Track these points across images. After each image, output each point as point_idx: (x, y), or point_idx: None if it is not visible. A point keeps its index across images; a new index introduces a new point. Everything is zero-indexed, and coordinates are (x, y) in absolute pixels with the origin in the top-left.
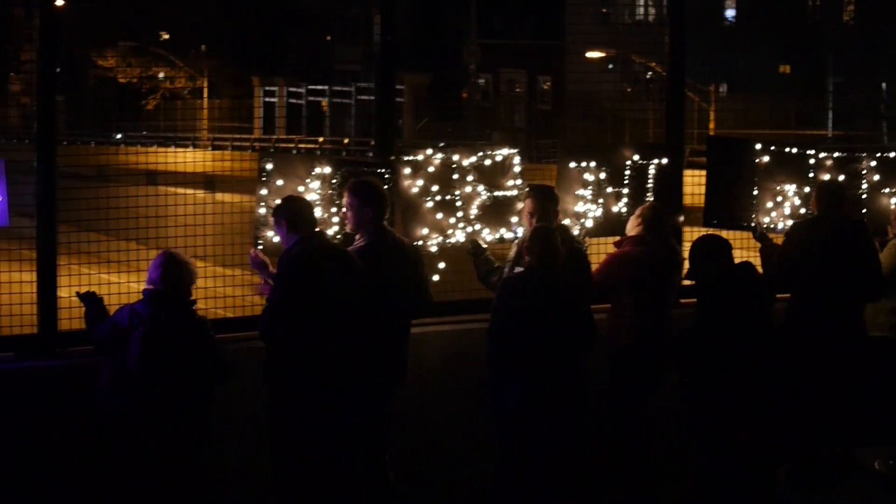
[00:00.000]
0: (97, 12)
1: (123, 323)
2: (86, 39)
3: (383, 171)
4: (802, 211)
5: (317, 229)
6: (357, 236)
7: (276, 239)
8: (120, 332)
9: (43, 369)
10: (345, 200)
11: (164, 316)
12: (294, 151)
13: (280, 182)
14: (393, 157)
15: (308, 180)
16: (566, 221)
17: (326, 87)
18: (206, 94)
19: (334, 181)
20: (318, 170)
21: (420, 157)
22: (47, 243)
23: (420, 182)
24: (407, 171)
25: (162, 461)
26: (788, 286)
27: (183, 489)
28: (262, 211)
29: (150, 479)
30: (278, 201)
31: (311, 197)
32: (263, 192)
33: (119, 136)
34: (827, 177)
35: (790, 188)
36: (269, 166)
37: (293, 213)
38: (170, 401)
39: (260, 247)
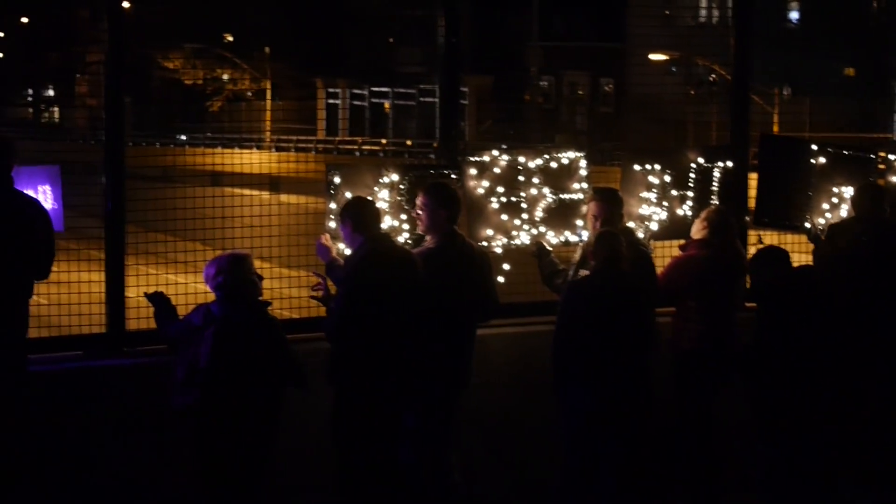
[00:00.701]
0: (163, 14)
1: (197, 321)
2: (151, 41)
3: (450, 172)
4: None
5: (382, 231)
6: (427, 238)
7: (342, 246)
8: (193, 329)
9: (111, 368)
10: (419, 201)
11: (236, 316)
12: (357, 153)
13: (348, 194)
14: (460, 159)
15: (376, 188)
16: (630, 224)
17: (389, 89)
18: (269, 96)
19: (402, 187)
20: (385, 178)
21: (486, 159)
22: (115, 244)
23: (486, 183)
24: (473, 171)
25: (229, 458)
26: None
27: (249, 487)
28: (332, 225)
29: (217, 476)
30: (346, 200)
31: (379, 206)
32: (332, 205)
33: (184, 137)
34: (894, 179)
35: (847, 191)
36: (337, 179)
37: (358, 213)
38: (239, 399)
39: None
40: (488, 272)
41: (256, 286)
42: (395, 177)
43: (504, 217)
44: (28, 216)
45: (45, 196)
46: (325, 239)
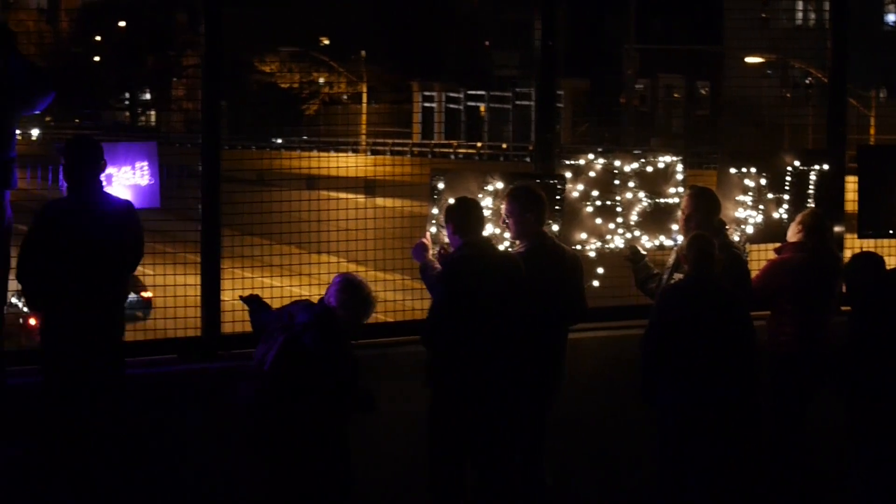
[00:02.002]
0: (259, 18)
1: (278, 320)
2: (248, 45)
3: (555, 182)
4: None
5: (483, 235)
6: (517, 242)
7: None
8: (274, 329)
9: (206, 371)
10: (504, 207)
11: (314, 331)
12: (452, 156)
13: (452, 200)
14: (565, 164)
15: (480, 195)
16: (726, 227)
17: (485, 93)
18: (364, 99)
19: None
20: (489, 186)
21: (582, 162)
22: (211, 247)
23: (581, 187)
24: (568, 175)
25: (289, 455)
26: None
27: (320, 489)
28: (434, 230)
29: (279, 475)
30: (451, 201)
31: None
32: (434, 210)
33: (279, 140)
34: None
35: None
36: (441, 185)
37: (461, 215)
38: (295, 406)
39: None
40: (579, 275)
41: (354, 322)
42: (499, 184)
43: (598, 221)
44: (118, 217)
45: (141, 172)
46: (427, 239)
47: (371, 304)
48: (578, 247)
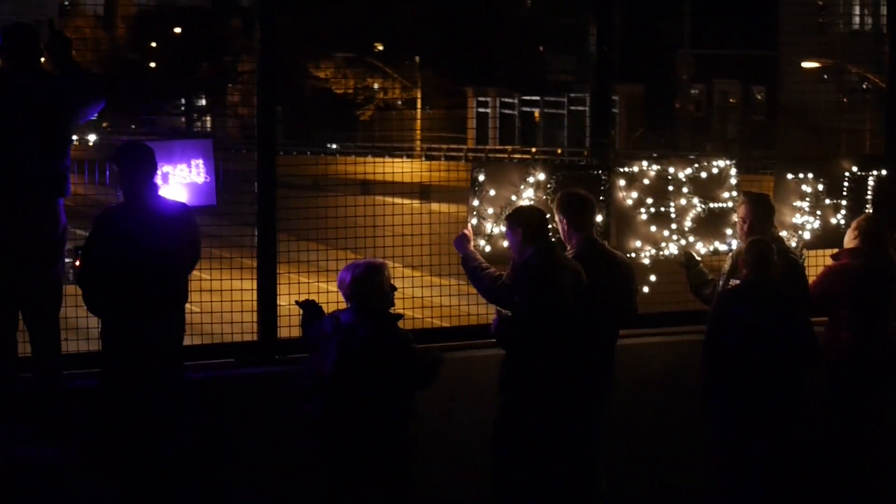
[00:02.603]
0: (314, 24)
1: (327, 329)
2: (303, 51)
3: (598, 172)
4: None
5: (552, 241)
6: (567, 247)
7: (482, 243)
8: (322, 336)
9: (263, 376)
10: (556, 216)
11: (363, 326)
12: (507, 162)
13: (493, 192)
14: (610, 170)
15: (522, 187)
16: (783, 233)
17: (539, 98)
18: (419, 105)
19: (549, 186)
20: (531, 178)
21: (636, 169)
22: (268, 252)
23: (635, 193)
24: (622, 182)
25: (354, 470)
26: None
27: (386, 497)
28: (475, 221)
29: (347, 485)
30: (518, 207)
31: (524, 204)
32: (475, 202)
33: (334, 146)
34: None
35: None
36: (482, 177)
37: (531, 223)
38: (362, 410)
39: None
40: (628, 279)
41: (388, 297)
42: (541, 176)
43: (653, 227)
44: (174, 221)
45: (197, 170)
46: (468, 231)
47: (380, 268)
48: (633, 254)
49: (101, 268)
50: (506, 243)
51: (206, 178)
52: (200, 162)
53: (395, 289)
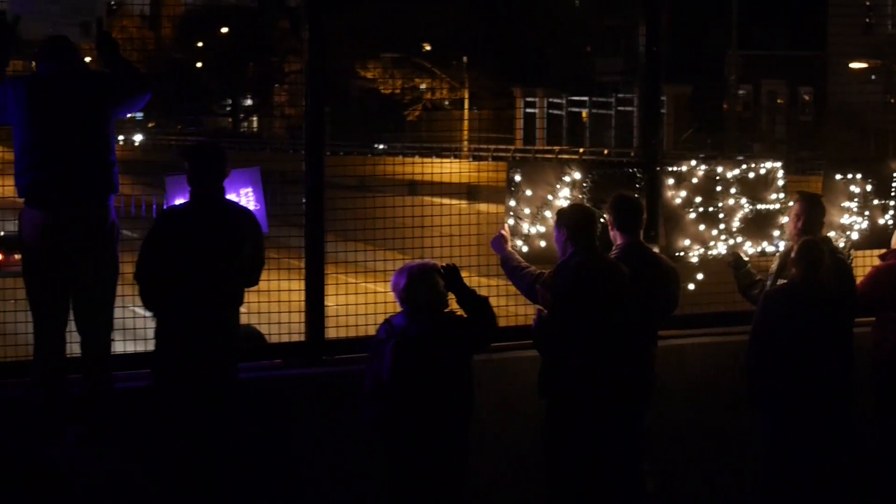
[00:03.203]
0: (361, 24)
1: (381, 334)
2: (350, 51)
3: (636, 171)
4: None
5: (596, 243)
6: (613, 248)
7: (519, 243)
8: (378, 342)
9: (310, 376)
10: (607, 218)
11: (417, 328)
12: (533, 156)
13: (529, 192)
14: (658, 169)
15: (558, 186)
16: (831, 234)
17: (587, 98)
18: (466, 105)
19: (584, 185)
20: (567, 177)
21: (684, 169)
22: (315, 252)
23: (683, 193)
24: (670, 181)
25: (418, 474)
26: None
27: (441, 497)
28: (511, 222)
29: (404, 491)
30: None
31: (560, 203)
32: (512, 202)
33: (381, 146)
34: None
35: None
36: (518, 177)
37: (577, 221)
38: (424, 414)
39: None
40: (673, 285)
41: (442, 298)
42: (577, 175)
43: (701, 227)
44: (238, 224)
45: (247, 199)
46: (505, 231)
47: (432, 270)
48: (681, 253)
49: (160, 264)
50: (543, 243)
51: (255, 205)
52: (250, 190)
53: (448, 290)
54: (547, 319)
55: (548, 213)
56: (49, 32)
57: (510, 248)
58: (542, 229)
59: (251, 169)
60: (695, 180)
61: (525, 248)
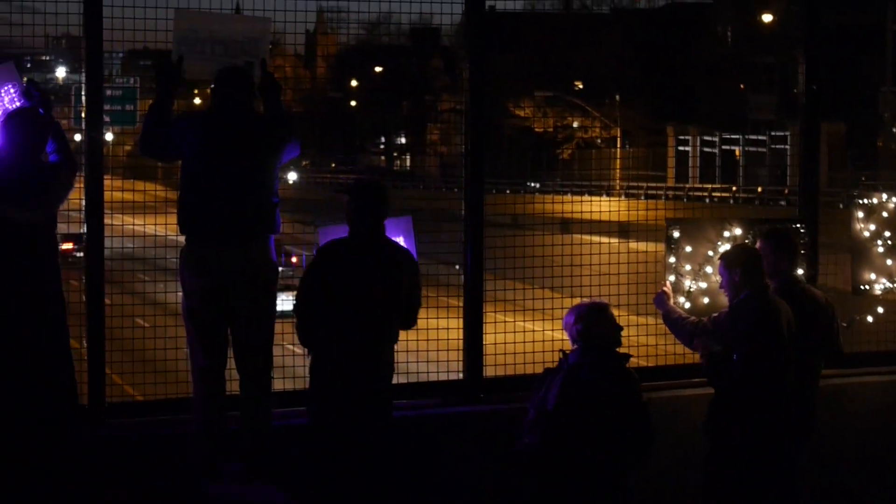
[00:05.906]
0: (514, 63)
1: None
2: (504, 90)
3: (797, 225)
4: None
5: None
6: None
7: (681, 300)
8: (547, 372)
9: (469, 415)
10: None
11: (588, 364)
12: (707, 200)
13: (689, 248)
14: (858, 203)
15: (719, 243)
16: None
17: (740, 136)
18: (619, 143)
19: (747, 241)
20: (728, 233)
21: (875, 201)
22: (474, 291)
23: (872, 226)
24: (860, 214)
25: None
26: None
27: None
28: (672, 278)
29: None
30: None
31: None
32: (671, 259)
33: (535, 184)
34: None
35: None
36: (677, 233)
37: (749, 263)
38: (582, 448)
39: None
40: (832, 319)
41: (615, 336)
42: (738, 231)
43: (889, 261)
44: (397, 264)
45: None
46: (667, 288)
47: (603, 308)
48: (866, 286)
49: (319, 299)
50: (706, 300)
51: None
52: (401, 238)
53: (620, 328)
54: (721, 357)
55: (709, 269)
56: (214, 73)
57: (672, 304)
58: (704, 285)
59: (404, 218)
60: (885, 213)
61: (688, 305)
